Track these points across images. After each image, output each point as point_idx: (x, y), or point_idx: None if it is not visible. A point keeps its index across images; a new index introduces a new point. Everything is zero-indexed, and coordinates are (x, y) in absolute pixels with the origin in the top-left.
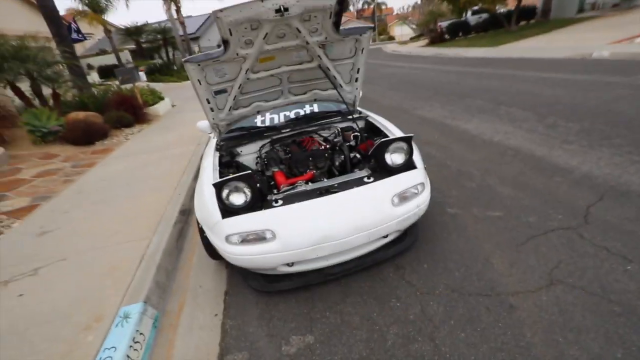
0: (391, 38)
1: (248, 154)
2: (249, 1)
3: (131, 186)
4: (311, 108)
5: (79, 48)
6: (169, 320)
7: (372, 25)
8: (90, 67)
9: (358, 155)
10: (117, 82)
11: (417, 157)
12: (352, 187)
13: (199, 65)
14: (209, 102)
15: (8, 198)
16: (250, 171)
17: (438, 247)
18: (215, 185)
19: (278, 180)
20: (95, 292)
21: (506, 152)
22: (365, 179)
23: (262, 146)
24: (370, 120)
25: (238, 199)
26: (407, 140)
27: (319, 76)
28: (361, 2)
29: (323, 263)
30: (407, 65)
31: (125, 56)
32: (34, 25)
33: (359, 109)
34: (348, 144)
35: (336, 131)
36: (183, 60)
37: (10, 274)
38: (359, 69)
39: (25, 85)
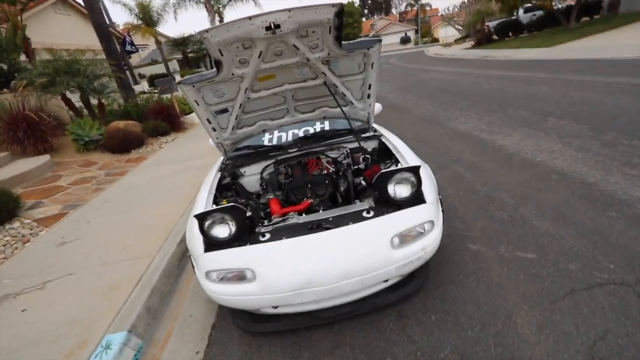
0: (435, 40)
1: (252, 175)
2: (236, 20)
3: (152, 197)
4: (322, 125)
5: (135, 58)
6: (152, 352)
7: (380, 38)
8: (141, 76)
9: (364, 183)
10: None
11: (428, 189)
12: (348, 223)
13: (193, 86)
14: (209, 122)
15: (43, 205)
16: (234, 204)
17: (451, 293)
18: (197, 217)
19: (272, 208)
20: (89, 313)
21: (549, 175)
22: (365, 213)
23: (265, 167)
24: (384, 140)
25: (222, 231)
26: (414, 170)
27: (327, 93)
28: (404, 5)
29: (313, 306)
30: (448, 70)
31: (173, 65)
32: (89, 39)
33: (375, 126)
34: (357, 166)
35: (345, 152)
36: (176, 82)
37: (22, 286)
38: (370, 85)
39: (75, 97)
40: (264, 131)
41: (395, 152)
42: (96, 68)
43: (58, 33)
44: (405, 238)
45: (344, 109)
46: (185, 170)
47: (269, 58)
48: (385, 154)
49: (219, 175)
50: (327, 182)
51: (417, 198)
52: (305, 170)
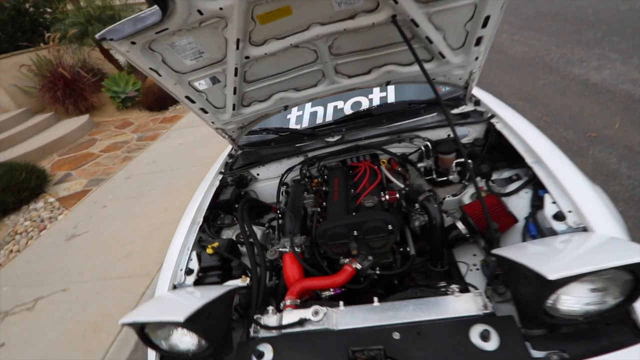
0: None
1: (270, 179)
2: None
3: (173, 174)
4: (382, 95)
5: None
6: None
7: None
8: None
9: (461, 227)
10: None
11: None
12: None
13: (133, 43)
14: (192, 102)
15: (71, 179)
16: (212, 299)
17: None
18: (131, 326)
19: (286, 277)
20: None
21: None
22: (482, 314)
23: (286, 172)
24: (499, 127)
25: (185, 342)
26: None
27: (395, 39)
28: None
29: None
30: None
31: None
32: None
33: (475, 95)
34: (445, 178)
35: (422, 149)
36: (98, 36)
37: (16, 301)
38: (487, 19)
39: None
40: (285, 107)
41: (525, 153)
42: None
43: None
44: None
45: (426, 66)
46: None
47: None
48: (500, 150)
49: (218, 180)
50: (392, 228)
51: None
52: (350, 183)
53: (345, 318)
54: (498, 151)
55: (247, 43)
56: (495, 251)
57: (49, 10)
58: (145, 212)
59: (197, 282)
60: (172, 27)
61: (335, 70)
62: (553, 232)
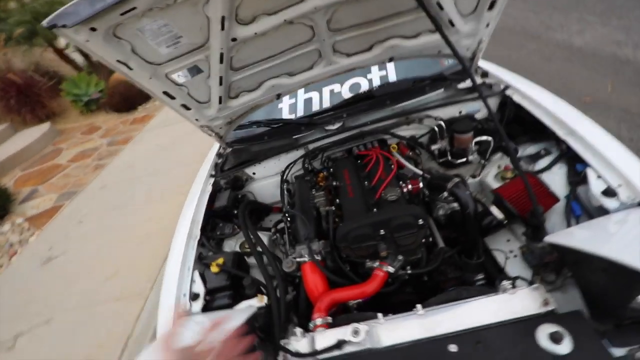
0: None
1: (268, 178)
2: None
3: (154, 180)
4: (382, 74)
5: None
6: None
7: None
8: None
9: (495, 212)
10: None
11: None
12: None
13: (93, 30)
14: (172, 97)
15: (38, 195)
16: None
17: None
18: None
19: (309, 293)
20: None
21: None
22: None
23: (287, 168)
24: (517, 98)
25: None
26: None
27: (400, 9)
28: None
29: None
30: None
31: None
32: None
33: (481, 67)
34: (464, 159)
35: (435, 129)
36: (46, 22)
37: None
38: None
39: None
40: (278, 96)
41: (554, 125)
42: None
43: None
44: None
45: (432, 38)
46: (196, 130)
47: None
48: (519, 124)
49: (210, 184)
50: (423, 222)
51: None
52: (362, 175)
53: (389, 332)
54: (518, 124)
55: (234, 21)
56: (551, 239)
57: None
58: (127, 224)
59: (206, 308)
60: (141, 5)
61: (334, 49)
62: (603, 211)
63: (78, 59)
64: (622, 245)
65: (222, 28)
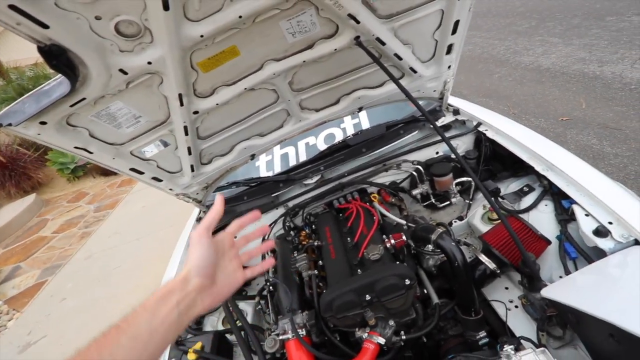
0: None
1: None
2: None
3: (139, 243)
4: (355, 122)
5: None
6: None
7: None
8: None
9: (485, 260)
10: None
11: None
12: None
13: (43, 124)
14: (139, 172)
15: (20, 273)
16: None
17: None
18: None
19: None
20: None
21: None
22: None
23: (269, 231)
24: (490, 134)
25: None
26: None
27: (359, 64)
28: None
29: None
30: None
31: None
32: None
33: (451, 105)
34: (447, 202)
35: (414, 173)
36: None
37: None
38: (457, 24)
39: None
40: (252, 157)
41: (531, 160)
42: None
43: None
44: None
45: (393, 87)
46: None
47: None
48: (497, 160)
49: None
50: (410, 281)
51: None
52: (344, 231)
53: None
54: (496, 161)
55: (193, 96)
56: (546, 294)
57: None
58: (113, 295)
59: None
60: (90, 95)
61: (301, 107)
62: (599, 251)
63: None
64: (628, 303)
65: (181, 104)
